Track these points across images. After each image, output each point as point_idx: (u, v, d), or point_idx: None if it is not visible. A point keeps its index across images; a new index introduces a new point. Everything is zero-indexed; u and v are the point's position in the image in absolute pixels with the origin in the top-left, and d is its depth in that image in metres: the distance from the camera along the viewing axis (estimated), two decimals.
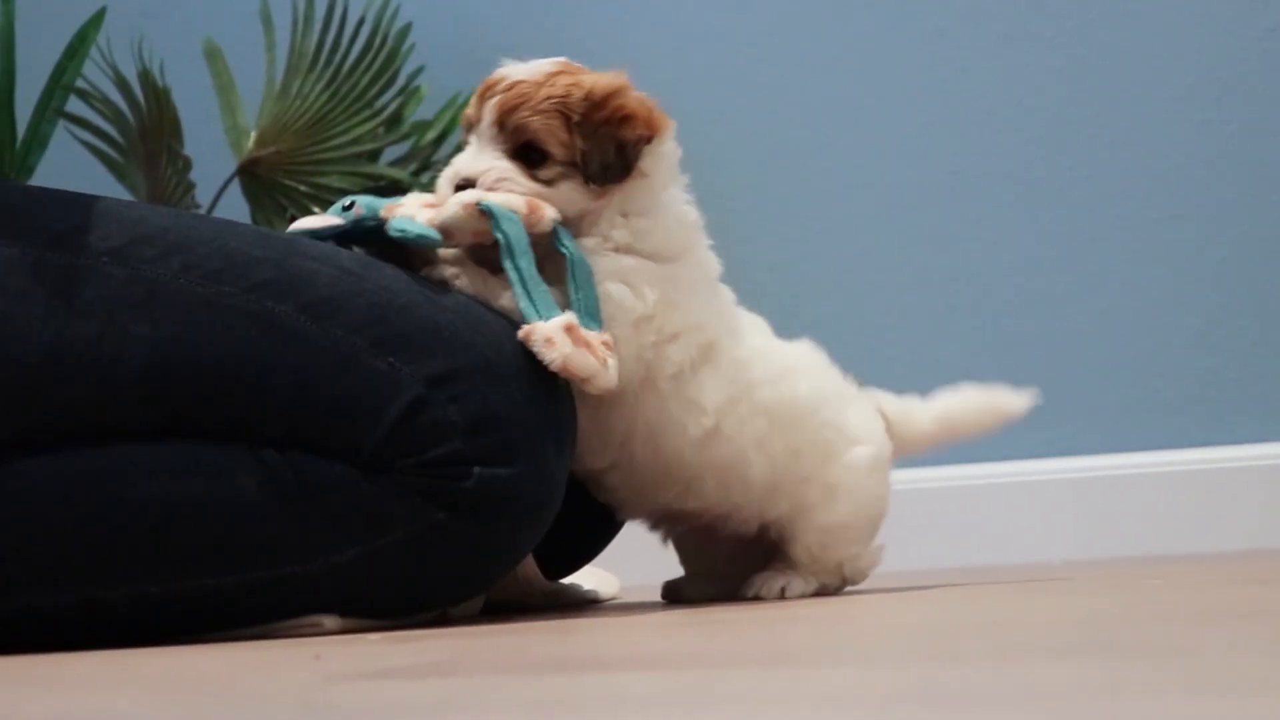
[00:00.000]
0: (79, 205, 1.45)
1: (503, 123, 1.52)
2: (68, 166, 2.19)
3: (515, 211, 1.47)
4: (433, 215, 1.48)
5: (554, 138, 1.52)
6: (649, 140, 1.56)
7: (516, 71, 1.55)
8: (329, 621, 1.42)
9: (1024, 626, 1.18)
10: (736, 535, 1.61)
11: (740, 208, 2.49)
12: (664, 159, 1.58)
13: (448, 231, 1.47)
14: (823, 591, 1.62)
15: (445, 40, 2.59)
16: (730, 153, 2.49)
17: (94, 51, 2.32)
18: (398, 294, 1.43)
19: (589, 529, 1.67)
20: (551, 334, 1.42)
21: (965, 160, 2.42)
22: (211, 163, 2.40)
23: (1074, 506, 2.32)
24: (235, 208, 2.34)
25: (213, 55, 2.43)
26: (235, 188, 2.40)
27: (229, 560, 1.40)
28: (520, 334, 1.43)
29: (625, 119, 1.55)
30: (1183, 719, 0.65)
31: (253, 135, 2.40)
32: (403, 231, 1.45)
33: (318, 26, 2.41)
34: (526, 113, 1.52)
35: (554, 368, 1.42)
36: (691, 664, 1.03)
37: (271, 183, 2.39)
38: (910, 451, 1.69)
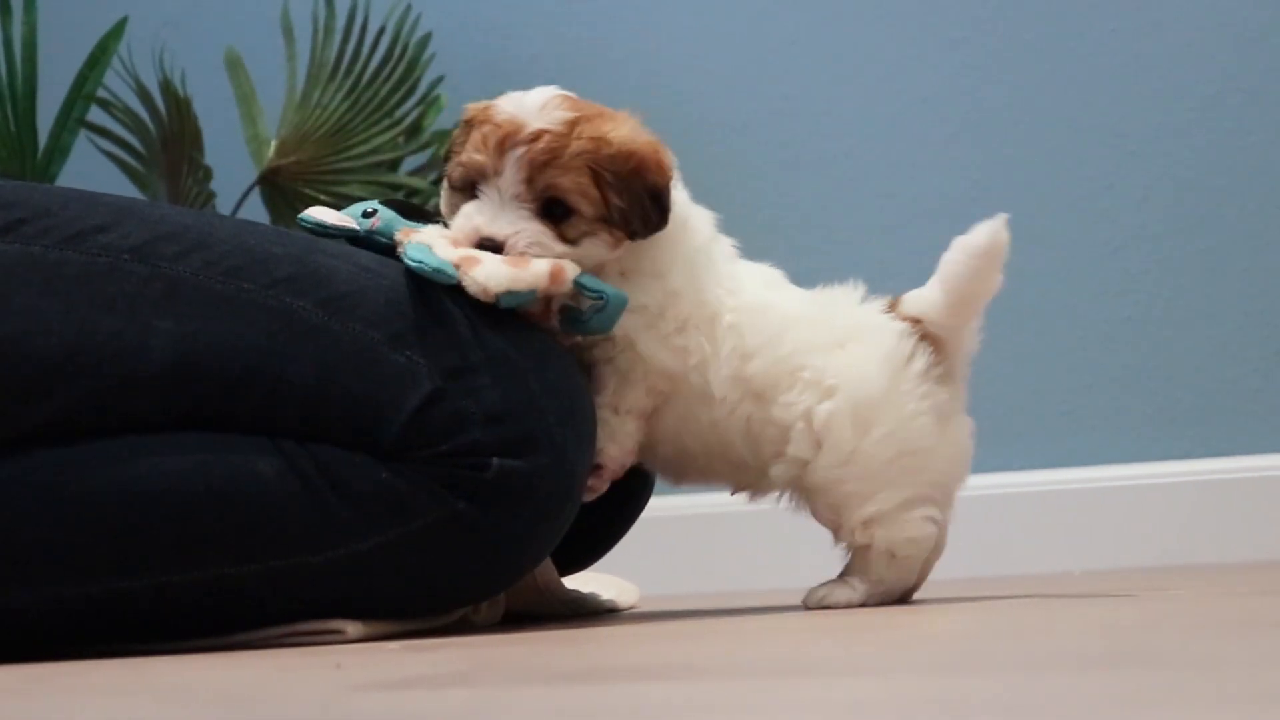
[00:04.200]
0: (101, 204, 1.47)
1: (531, 180, 1.48)
2: (89, 175, 2.20)
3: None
4: (516, 274, 1.43)
5: (585, 196, 1.48)
6: (669, 182, 1.56)
7: (524, 111, 1.51)
8: (351, 628, 1.42)
9: (1047, 637, 1.18)
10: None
11: (760, 218, 2.48)
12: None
13: (517, 289, 1.44)
14: (883, 599, 1.56)
15: (465, 50, 2.59)
16: (750, 162, 2.49)
17: (115, 61, 2.33)
18: (415, 290, 1.44)
19: (604, 521, 1.66)
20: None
21: (985, 170, 2.42)
22: (232, 172, 2.40)
23: (1094, 516, 2.32)
24: (255, 216, 2.34)
25: (234, 65, 2.44)
26: (255, 197, 2.41)
27: (249, 548, 1.40)
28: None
29: (654, 168, 1.53)
30: None
31: (273, 145, 2.40)
32: (419, 263, 1.43)
33: (338, 36, 2.41)
34: (557, 171, 1.48)
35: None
36: (712, 673, 1.03)
37: (292, 192, 2.39)
38: (961, 331, 1.64)
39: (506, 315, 1.45)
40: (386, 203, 1.55)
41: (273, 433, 1.41)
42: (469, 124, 1.53)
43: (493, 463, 1.40)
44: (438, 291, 1.43)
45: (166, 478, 1.40)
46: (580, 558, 1.70)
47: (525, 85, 2.59)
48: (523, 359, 1.43)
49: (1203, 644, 1.03)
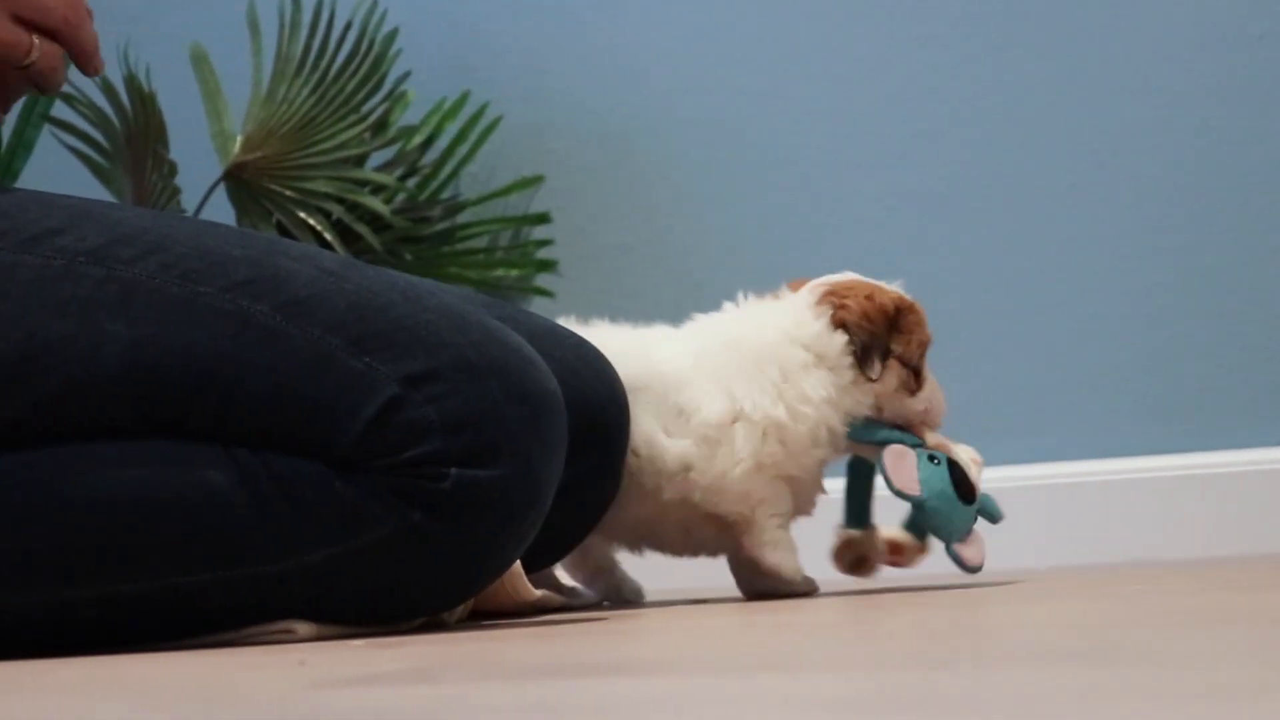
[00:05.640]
0: (60, 206, 1.45)
1: None
2: (54, 171, 2.18)
3: None
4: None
5: None
6: None
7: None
8: (302, 628, 1.41)
9: (1012, 631, 1.18)
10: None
11: (728, 214, 2.48)
12: None
13: None
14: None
15: (432, 45, 2.59)
16: (717, 159, 2.49)
17: None
18: (378, 293, 1.41)
19: (566, 523, 1.62)
20: None
21: (955, 168, 2.42)
22: (197, 167, 2.39)
23: (1063, 512, 2.32)
24: (221, 212, 2.33)
25: (199, 60, 2.43)
26: (221, 192, 2.40)
27: (200, 558, 1.38)
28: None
29: None
30: None
31: (239, 140, 2.39)
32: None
33: (304, 31, 2.41)
34: None
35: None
36: (679, 670, 1.03)
37: (257, 187, 2.38)
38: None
39: (473, 319, 1.43)
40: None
41: (228, 440, 1.39)
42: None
43: (450, 473, 1.38)
44: (400, 297, 1.42)
45: (116, 488, 1.38)
46: (540, 559, 1.68)
47: (490, 82, 2.59)
48: (487, 364, 1.40)
49: (1171, 639, 1.04)
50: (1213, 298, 2.33)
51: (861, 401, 1.67)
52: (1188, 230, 2.34)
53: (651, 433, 1.65)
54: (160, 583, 1.39)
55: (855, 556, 1.72)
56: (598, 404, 1.62)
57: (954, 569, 1.67)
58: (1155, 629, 1.11)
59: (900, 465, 1.64)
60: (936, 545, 1.69)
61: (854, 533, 1.72)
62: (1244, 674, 0.80)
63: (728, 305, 1.74)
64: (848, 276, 1.73)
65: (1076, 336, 2.37)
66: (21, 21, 1.46)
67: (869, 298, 1.69)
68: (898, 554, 1.71)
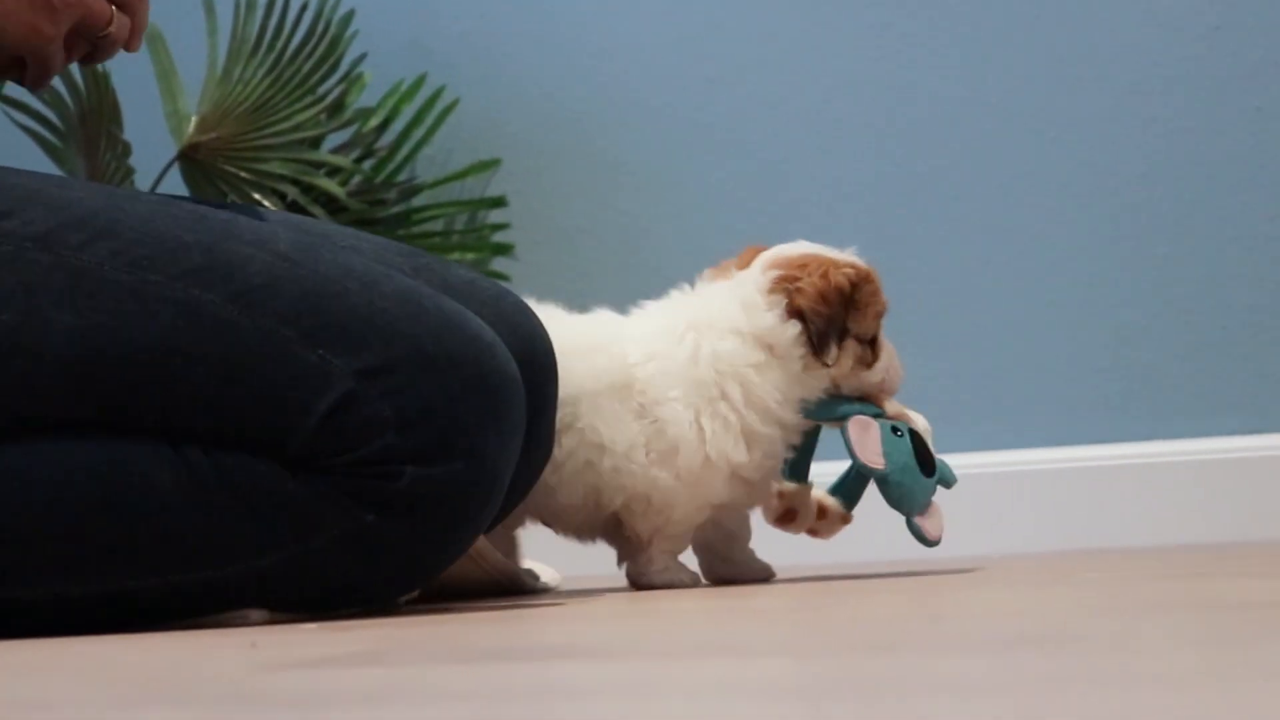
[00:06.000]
0: (5, 187, 1.40)
1: None
2: (5, 150, 2.17)
3: None
4: None
5: None
6: None
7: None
8: (254, 614, 1.40)
9: (967, 618, 1.19)
10: None
11: (683, 200, 2.48)
12: None
13: None
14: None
15: (388, 27, 2.58)
16: (673, 145, 2.49)
17: None
18: (333, 281, 1.38)
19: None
20: None
21: (912, 154, 2.42)
22: (151, 148, 2.38)
23: (1011, 500, 2.33)
24: (175, 193, 2.32)
25: (153, 40, 2.42)
26: (175, 173, 2.39)
27: (148, 564, 1.36)
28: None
29: None
30: (1119, 710, 0.65)
31: (193, 120, 2.38)
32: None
33: (260, 12, 2.39)
34: None
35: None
36: (629, 654, 1.03)
37: (212, 168, 2.37)
38: None
39: (430, 304, 1.39)
40: None
41: (177, 436, 1.36)
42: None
43: (406, 471, 1.35)
44: (356, 285, 1.38)
45: (61, 489, 1.35)
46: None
47: (447, 64, 2.59)
48: (445, 356, 1.37)
49: (1114, 626, 1.04)
50: (1170, 288, 2.34)
51: (817, 387, 1.67)
52: (1146, 220, 2.35)
53: (631, 445, 1.65)
54: (110, 585, 1.37)
55: (786, 509, 1.72)
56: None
57: (909, 555, 1.67)
58: (1109, 616, 1.12)
59: (865, 438, 1.63)
60: (869, 518, 1.69)
61: (790, 486, 1.72)
62: (1194, 660, 0.81)
63: (675, 294, 1.73)
64: (801, 248, 1.70)
65: (1034, 326, 2.37)
66: None
67: (824, 276, 1.66)
68: (821, 518, 1.71)
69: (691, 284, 1.73)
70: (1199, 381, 2.33)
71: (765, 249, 1.71)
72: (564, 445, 1.62)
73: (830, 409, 1.67)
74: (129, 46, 1.50)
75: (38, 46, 1.44)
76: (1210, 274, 2.33)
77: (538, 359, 1.53)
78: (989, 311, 2.39)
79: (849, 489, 1.72)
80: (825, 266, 1.67)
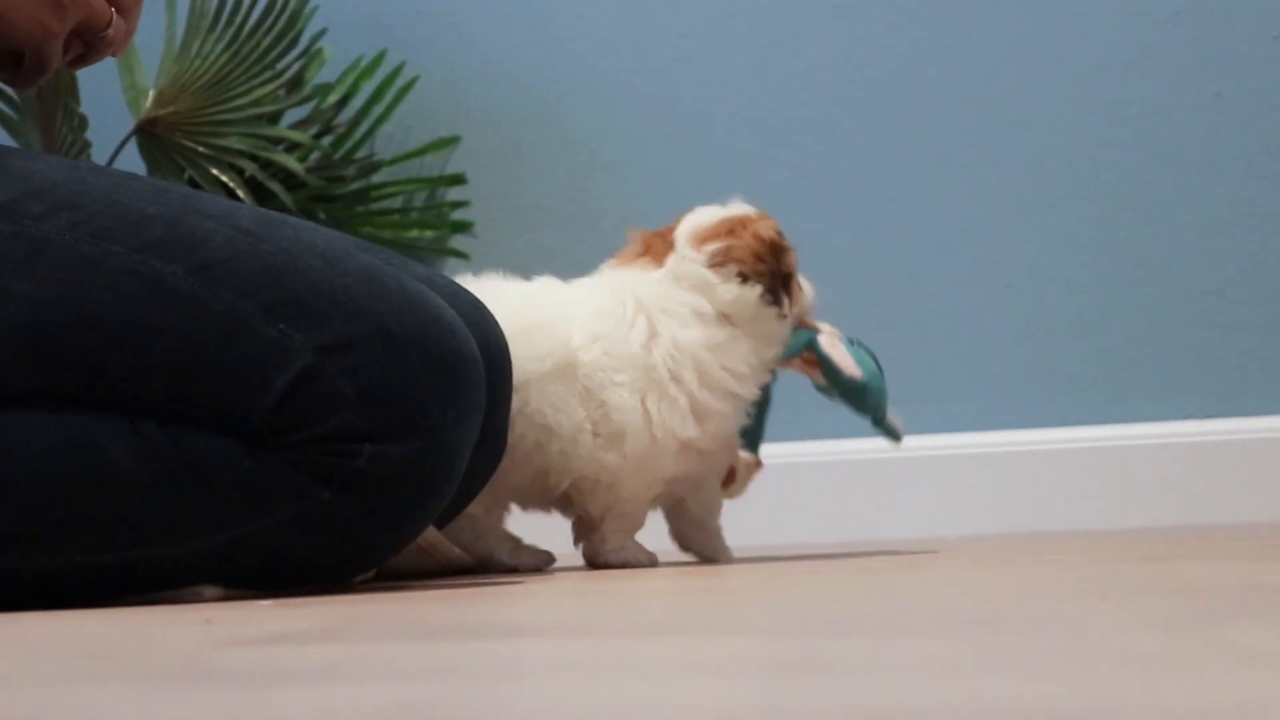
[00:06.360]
0: None
1: None
2: None
3: None
4: None
5: None
6: None
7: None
8: (209, 591, 1.40)
9: (919, 599, 1.19)
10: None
11: (641, 181, 2.48)
12: None
13: None
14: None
15: (347, 3, 2.57)
16: (632, 127, 2.49)
17: None
18: (295, 256, 1.37)
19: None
20: None
21: (872, 137, 2.43)
22: (109, 121, 2.37)
23: (969, 482, 2.34)
24: (132, 167, 2.31)
25: None
26: (132, 147, 2.37)
27: (102, 540, 1.36)
28: None
29: None
30: (1068, 691, 0.66)
31: (151, 94, 2.37)
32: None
33: None
34: None
35: None
36: (585, 632, 1.03)
37: (169, 143, 2.36)
38: None
39: (393, 283, 1.39)
40: None
41: (134, 411, 1.36)
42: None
43: (364, 449, 1.35)
44: (319, 261, 1.37)
45: (16, 466, 1.35)
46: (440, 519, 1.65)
47: (407, 41, 2.58)
48: (406, 334, 1.36)
49: (1068, 608, 1.04)
50: (1129, 272, 2.35)
51: (782, 337, 1.69)
52: (1106, 204, 2.36)
53: (577, 428, 1.65)
54: (65, 561, 1.36)
55: (729, 470, 1.75)
56: None
57: (868, 536, 1.68)
58: (1068, 598, 1.12)
59: (841, 353, 1.66)
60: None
61: (747, 456, 1.74)
62: (1153, 642, 0.81)
63: (609, 271, 1.73)
64: (703, 218, 1.72)
65: (994, 309, 2.38)
66: None
67: (754, 236, 1.69)
68: (735, 470, 1.74)
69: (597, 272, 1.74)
70: (1158, 365, 2.34)
71: (645, 232, 1.73)
72: (514, 429, 1.62)
73: (792, 347, 1.69)
74: (115, 52, 1.50)
75: (42, 42, 1.44)
76: (1170, 258, 2.34)
77: (493, 356, 1.53)
78: (950, 295, 2.39)
79: (748, 432, 1.73)
80: (745, 225, 1.70)
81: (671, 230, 1.71)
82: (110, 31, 1.48)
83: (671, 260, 1.69)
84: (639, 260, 1.70)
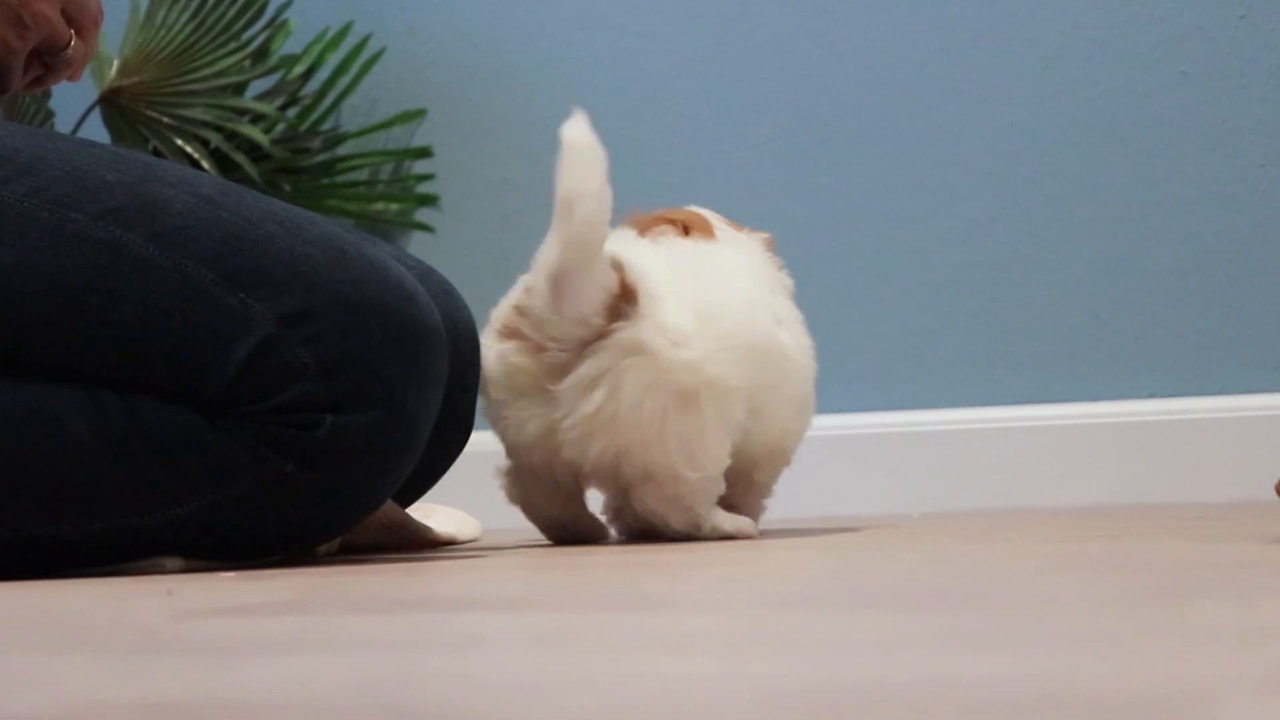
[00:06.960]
0: None
1: None
2: None
3: None
4: None
5: None
6: None
7: None
8: (170, 563, 1.39)
9: (879, 576, 1.19)
10: None
11: (611, 151, 2.48)
12: None
13: None
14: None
15: None
16: (600, 100, 2.48)
17: None
18: (256, 224, 1.36)
19: (421, 466, 1.52)
20: None
21: (835, 111, 2.43)
22: (72, 91, 2.35)
23: (935, 459, 2.34)
24: (95, 137, 2.30)
25: None
26: (96, 117, 2.36)
27: (62, 512, 1.35)
28: None
29: None
30: (1029, 667, 0.66)
31: (115, 64, 2.36)
32: None
33: None
34: None
35: None
36: (549, 606, 1.03)
37: (133, 113, 2.35)
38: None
39: (354, 252, 1.38)
40: None
41: (93, 381, 1.35)
42: None
43: (325, 419, 1.34)
44: (279, 229, 1.36)
45: None
46: (405, 497, 1.65)
47: (373, 13, 2.57)
48: (367, 303, 1.35)
49: (1030, 585, 1.05)
50: (1092, 250, 2.35)
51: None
52: (1069, 182, 2.36)
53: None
54: (22, 532, 1.35)
55: None
56: None
57: (823, 518, 1.68)
58: (1028, 575, 1.13)
59: None
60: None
61: None
62: (1112, 619, 0.82)
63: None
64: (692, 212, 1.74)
65: (956, 286, 2.38)
66: (65, 15, 1.49)
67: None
68: None
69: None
70: (1119, 343, 2.34)
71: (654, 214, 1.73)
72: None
73: None
74: (73, 75, 1.53)
75: (3, 59, 1.45)
76: (1134, 237, 2.34)
77: (460, 340, 1.53)
78: (911, 271, 2.39)
79: None
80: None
81: (674, 217, 1.71)
82: (69, 52, 1.50)
83: (745, 235, 1.72)
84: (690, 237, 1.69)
